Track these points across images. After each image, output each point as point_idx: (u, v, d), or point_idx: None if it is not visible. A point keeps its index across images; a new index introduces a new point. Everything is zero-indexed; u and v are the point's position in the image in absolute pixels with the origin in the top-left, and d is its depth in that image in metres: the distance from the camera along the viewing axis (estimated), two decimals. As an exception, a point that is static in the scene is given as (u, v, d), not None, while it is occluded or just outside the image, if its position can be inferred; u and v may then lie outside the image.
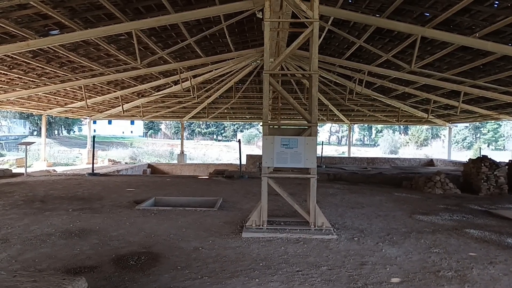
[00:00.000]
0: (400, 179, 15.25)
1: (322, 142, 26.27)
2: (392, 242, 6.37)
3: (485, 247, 6.25)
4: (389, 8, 11.14)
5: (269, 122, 7.09)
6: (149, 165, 27.65)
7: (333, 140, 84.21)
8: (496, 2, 10.06)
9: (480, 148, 32.93)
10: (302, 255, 5.65)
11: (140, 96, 24.35)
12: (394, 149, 58.03)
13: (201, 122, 69.99)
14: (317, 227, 6.85)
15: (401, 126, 63.83)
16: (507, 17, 10.18)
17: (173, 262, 5.25)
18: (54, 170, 20.84)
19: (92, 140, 16.95)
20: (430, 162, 27.68)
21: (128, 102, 24.91)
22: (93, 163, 16.62)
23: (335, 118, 28.86)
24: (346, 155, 35.42)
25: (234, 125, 77.43)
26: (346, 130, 69.21)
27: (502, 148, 64.91)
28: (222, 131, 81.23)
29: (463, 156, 42.31)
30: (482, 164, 12.72)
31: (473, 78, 16.48)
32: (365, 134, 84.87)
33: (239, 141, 18.15)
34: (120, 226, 7.15)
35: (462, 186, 13.45)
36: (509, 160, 14.35)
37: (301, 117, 29.55)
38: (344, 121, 28.96)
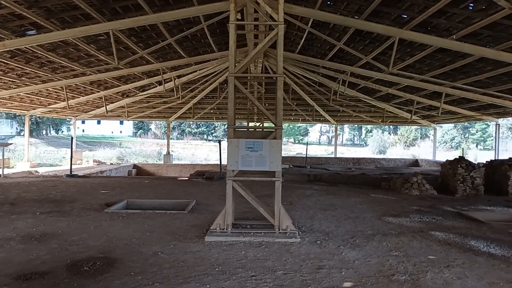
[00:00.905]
0: (380, 180, 15.30)
1: (307, 142, 26.32)
2: (354, 245, 6.37)
3: (447, 250, 6.27)
4: (367, 9, 11.17)
5: (235, 125, 7.05)
6: (135, 166, 27.49)
7: (324, 140, 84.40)
8: (471, 4, 10.11)
9: (463, 149, 33.16)
10: (261, 259, 5.63)
11: (124, 96, 24.23)
12: (383, 149, 58.31)
13: (191, 122, 69.82)
14: (281, 230, 6.84)
15: (391, 126, 64.13)
16: (482, 19, 10.24)
17: (129, 268, 5.20)
18: (36, 171, 20.63)
19: (71, 141, 16.83)
20: (415, 163, 27.84)
21: (113, 102, 24.78)
22: (71, 164, 16.49)
23: (321, 119, 28.90)
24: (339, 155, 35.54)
25: (224, 125, 77.31)
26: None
27: (490, 148, 65.39)
28: (213, 131, 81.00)
29: (451, 156, 42.54)
30: (459, 166, 12.78)
31: (454, 79, 16.58)
32: (355, 134, 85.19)
33: (219, 142, 18.10)
34: (84, 230, 7.09)
35: (440, 187, 13.52)
36: (486, 162, 14.46)
37: (292, 116, 29.65)
38: (330, 122, 29.01)
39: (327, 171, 19.57)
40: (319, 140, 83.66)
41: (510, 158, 13.89)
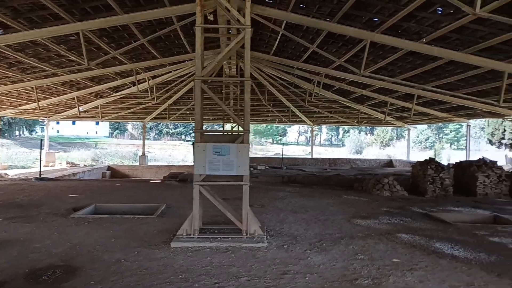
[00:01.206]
0: (354, 181, 15.44)
1: (283, 143, 26.36)
2: (321, 249, 6.39)
3: (411, 252, 6.34)
4: (339, 12, 11.25)
5: (201, 128, 6.98)
6: (109, 167, 27.06)
7: (302, 140, 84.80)
8: (440, 9, 10.28)
9: (435, 149, 33.84)
10: (226, 265, 5.59)
11: (98, 97, 23.83)
12: (359, 149, 59.02)
13: (168, 123, 69.18)
14: (249, 234, 6.81)
15: (368, 127, 64.92)
16: (451, 23, 10.43)
17: (89, 277, 5.08)
18: (6, 174, 20.07)
19: (40, 142, 16.42)
20: (390, 163, 28.24)
21: (87, 103, 24.35)
22: (40, 167, 16.11)
23: (297, 120, 29.03)
24: (316, 156, 35.75)
25: (203, 125, 76.84)
26: (314, 131, 69.93)
27: (464, 148, 66.86)
28: (191, 131, 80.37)
29: (426, 156, 43.32)
30: (428, 167, 13.00)
31: (425, 81, 16.87)
32: (332, 134, 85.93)
33: (193, 144, 17.97)
34: (47, 236, 6.91)
35: (411, 188, 13.73)
36: (456, 162, 14.75)
37: (269, 117, 29.62)
38: (306, 123, 29.16)
39: (302, 172, 19.65)
40: (297, 140, 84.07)
41: (478, 159, 14.20)
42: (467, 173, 13.52)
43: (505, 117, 20.11)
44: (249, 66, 7.01)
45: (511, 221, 9.12)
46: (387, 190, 12.86)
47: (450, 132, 71.03)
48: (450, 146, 69.01)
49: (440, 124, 59.53)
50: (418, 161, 14.25)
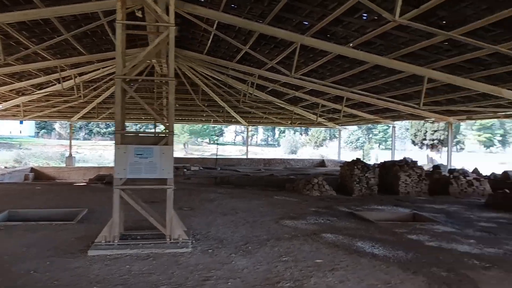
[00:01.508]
0: (286, 181, 15.64)
1: (217, 143, 26.21)
2: (246, 252, 6.33)
3: (334, 252, 6.47)
4: (270, 14, 11.31)
5: (123, 130, 6.66)
6: (33, 169, 25.33)
7: (239, 140, 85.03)
8: (365, 15, 10.65)
9: (363, 150, 35.36)
10: (146, 273, 5.35)
11: (20, 94, 22.23)
12: (294, 149, 60.32)
13: (100, 122, 66.33)
14: (173, 240, 6.60)
15: (303, 127, 66.45)
16: (375, 29, 10.84)
17: (-9, 292, 4.64)
18: None
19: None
20: (322, 163, 29.02)
21: (7, 101, 22.66)
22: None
23: (232, 120, 28.99)
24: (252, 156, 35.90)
25: (137, 125, 74.67)
26: (251, 131, 70.37)
27: (391, 147, 70.56)
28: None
29: (356, 155, 45.14)
30: (355, 167, 13.48)
31: (353, 84, 17.48)
32: (269, 134, 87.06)
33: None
34: None
35: (339, 187, 14.15)
36: (380, 162, 15.42)
37: (204, 117, 29.17)
38: (242, 123, 29.22)
39: (236, 173, 19.62)
40: (234, 140, 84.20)
41: (401, 160, 14.94)
42: (391, 172, 14.18)
43: (426, 119, 21.37)
44: (174, 66, 6.79)
45: (428, 218, 9.65)
46: (316, 190, 13.15)
47: (379, 132, 74.60)
48: (379, 146, 72.48)
49: (369, 125, 62.35)
50: (346, 161, 14.72)
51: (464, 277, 5.40)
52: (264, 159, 29.94)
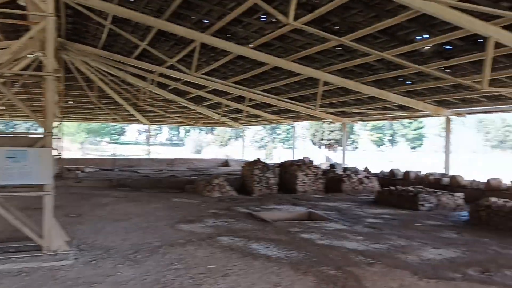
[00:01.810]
0: (186, 183, 15.28)
1: (116, 142, 24.89)
2: (135, 262, 5.92)
3: (228, 256, 6.33)
4: (168, 10, 10.90)
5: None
6: None
7: (142, 140, 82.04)
8: (263, 16, 10.73)
9: (265, 149, 36.24)
10: (15, 292, 4.73)
11: None
12: (200, 149, 59.86)
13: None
14: (51, 252, 5.95)
15: (209, 127, 66.15)
16: (273, 31, 10.99)
17: None
18: None
19: None
20: (226, 163, 29.07)
21: None
22: None
23: (132, 119, 27.79)
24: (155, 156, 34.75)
25: (27, 123, 68.39)
26: (155, 130, 68.34)
27: (294, 146, 73.28)
28: (12, 129, 70.81)
29: (261, 154, 46.07)
30: (255, 167, 13.60)
31: (255, 85, 17.70)
32: (173, 133, 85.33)
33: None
34: None
35: (241, 188, 14.18)
36: (281, 162, 15.79)
37: (101, 116, 27.29)
38: (142, 122, 28.15)
39: (135, 174, 18.78)
40: (137, 139, 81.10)
41: (298, 159, 15.44)
42: (290, 172, 14.56)
43: (323, 120, 22.43)
44: (53, 60, 6.12)
45: (322, 216, 10.00)
46: (217, 191, 13.01)
47: (282, 132, 77.03)
48: (283, 145, 74.86)
49: (273, 125, 64.19)
50: (247, 161, 14.81)
51: (350, 275, 5.58)
52: (167, 159, 29.16)
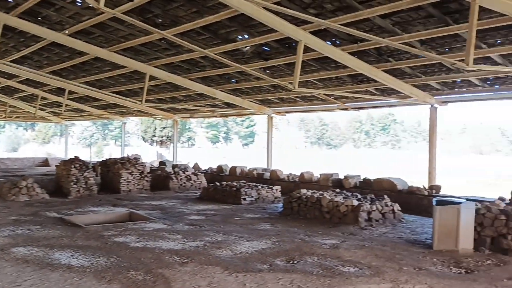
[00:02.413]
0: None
1: None
2: None
3: (21, 270, 5.45)
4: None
5: None
6: None
7: None
8: (79, 1, 9.80)
9: (90, 147, 34.12)
10: None
11: None
12: (16, 147, 53.21)
13: None
14: None
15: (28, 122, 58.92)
16: (91, 18, 10.15)
17: None
18: None
19: None
20: (46, 162, 26.28)
21: None
22: None
23: None
24: None
25: None
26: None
27: (128, 144, 70.43)
28: None
29: (89, 152, 42.90)
30: (72, 166, 12.43)
31: (76, 76, 16.28)
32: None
33: None
34: None
35: (56, 189, 12.84)
36: (103, 160, 14.81)
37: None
38: None
39: None
40: None
41: (123, 157, 14.69)
42: (113, 170, 13.72)
43: (154, 116, 21.91)
44: None
45: (143, 216, 9.58)
46: (25, 194, 11.44)
47: (115, 129, 73.25)
48: (115, 142, 71.16)
49: (105, 121, 60.59)
50: (62, 160, 13.47)
51: (160, 277, 5.33)
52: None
